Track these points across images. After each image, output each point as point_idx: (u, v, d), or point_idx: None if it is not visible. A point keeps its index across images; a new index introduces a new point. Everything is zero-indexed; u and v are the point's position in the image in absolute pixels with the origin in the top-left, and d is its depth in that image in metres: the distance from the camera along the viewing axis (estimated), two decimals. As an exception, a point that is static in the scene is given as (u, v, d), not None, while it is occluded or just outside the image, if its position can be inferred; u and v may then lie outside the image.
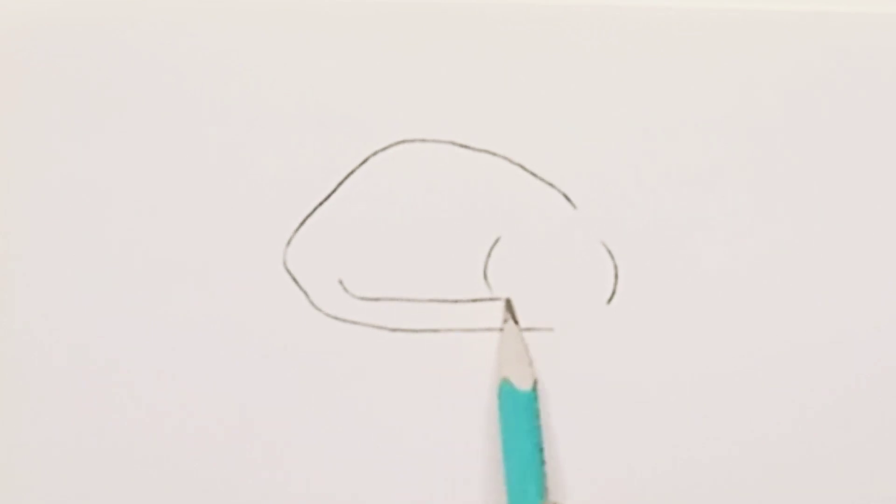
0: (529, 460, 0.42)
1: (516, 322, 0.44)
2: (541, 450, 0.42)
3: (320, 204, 0.44)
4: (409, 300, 0.44)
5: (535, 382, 0.43)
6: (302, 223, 0.44)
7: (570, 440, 0.44)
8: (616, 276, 0.44)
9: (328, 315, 0.44)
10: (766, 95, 0.45)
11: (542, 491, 0.41)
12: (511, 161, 0.44)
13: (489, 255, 0.44)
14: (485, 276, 0.44)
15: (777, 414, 0.44)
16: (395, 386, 0.44)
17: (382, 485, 0.43)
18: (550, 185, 0.44)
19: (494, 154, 0.44)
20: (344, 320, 0.44)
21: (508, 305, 0.44)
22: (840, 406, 0.44)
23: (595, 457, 0.43)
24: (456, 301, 0.44)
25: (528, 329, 0.44)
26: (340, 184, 0.44)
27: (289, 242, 0.44)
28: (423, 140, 0.44)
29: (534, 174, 0.44)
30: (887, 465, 0.44)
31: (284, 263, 0.44)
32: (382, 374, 0.44)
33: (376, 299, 0.44)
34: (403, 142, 0.44)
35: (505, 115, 0.44)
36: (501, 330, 0.44)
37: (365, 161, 0.44)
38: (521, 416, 0.42)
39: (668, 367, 0.44)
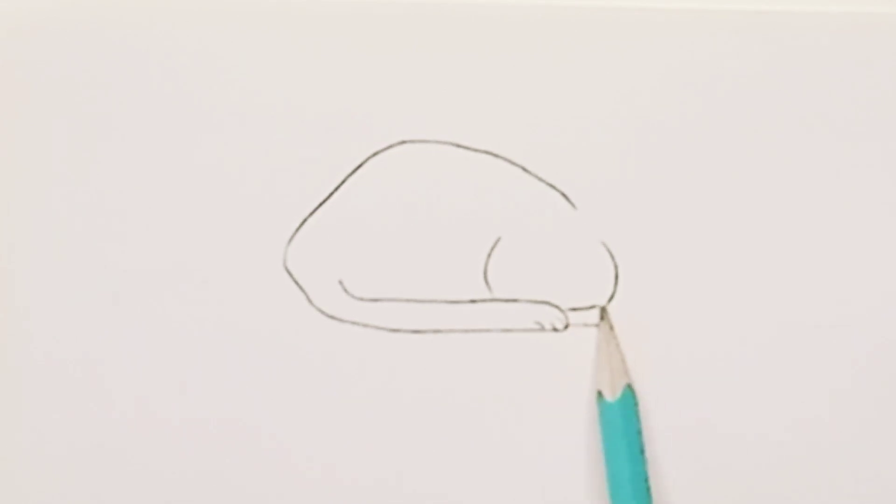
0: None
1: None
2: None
3: (320, 204, 0.44)
4: (409, 301, 0.44)
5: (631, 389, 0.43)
6: (302, 223, 0.44)
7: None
8: (616, 277, 0.44)
9: (328, 315, 0.44)
10: (767, 95, 0.45)
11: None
12: (511, 162, 0.44)
13: (489, 255, 0.44)
14: (485, 277, 0.44)
15: (779, 414, 0.44)
16: (394, 387, 0.44)
17: (382, 485, 0.43)
18: (550, 185, 0.44)
19: (494, 155, 0.44)
20: (344, 320, 0.44)
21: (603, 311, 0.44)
22: (840, 405, 0.44)
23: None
24: (456, 301, 0.44)
25: (528, 330, 0.44)
26: (341, 184, 0.44)
27: (289, 242, 0.44)
28: (424, 141, 0.44)
29: (534, 175, 0.44)
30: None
31: (284, 263, 0.44)
32: (382, 374, 0.44)
33: (376, 300, 0.44)
34: (403, 142, 0.44)
35: (505, 115, 0.44)
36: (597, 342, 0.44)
37: (365, 162, 0.44)
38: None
39: (668, 368, 0.44)
